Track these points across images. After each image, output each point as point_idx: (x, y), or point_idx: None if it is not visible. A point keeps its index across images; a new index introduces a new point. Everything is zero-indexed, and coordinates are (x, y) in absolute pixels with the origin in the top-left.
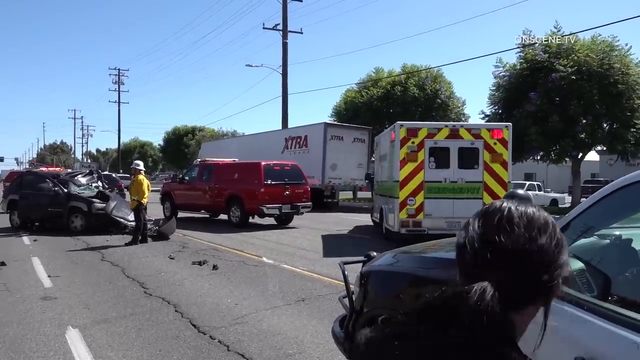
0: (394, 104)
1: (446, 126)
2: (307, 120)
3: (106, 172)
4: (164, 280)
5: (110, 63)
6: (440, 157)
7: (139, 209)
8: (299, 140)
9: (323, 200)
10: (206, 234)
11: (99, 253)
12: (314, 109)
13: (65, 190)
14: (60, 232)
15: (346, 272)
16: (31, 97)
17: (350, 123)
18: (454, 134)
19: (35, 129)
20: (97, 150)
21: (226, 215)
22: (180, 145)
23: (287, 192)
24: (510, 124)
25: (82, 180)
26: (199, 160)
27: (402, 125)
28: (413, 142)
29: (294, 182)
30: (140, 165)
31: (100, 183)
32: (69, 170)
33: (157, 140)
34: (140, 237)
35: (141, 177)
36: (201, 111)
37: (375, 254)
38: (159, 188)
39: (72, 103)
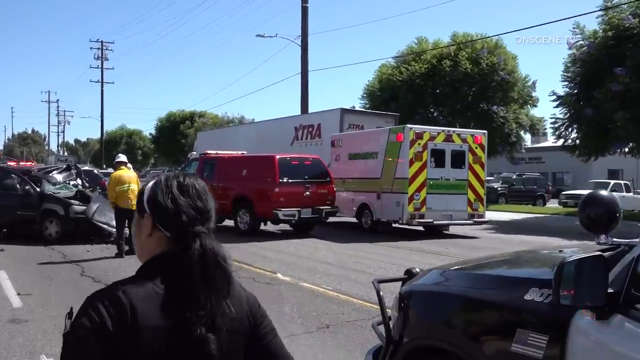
0: (440, 82)
1: (443, 131)
2: (333, 105)
3: (87, 167)
4: None
5: (91, 35)
6: (438, 157)
7: (115, 213)
8: (310, 129)
9: None
10: None
11: (78, 266)
12: (341, 90)
13: (38, 189)
14: (31, 240)
15: (381, 293)
16: None
17: (386, 106)
18: (448, 138)
19: (2, 115)
20: (76, 141)
21: (232, 221)
22: (176, 135)
23: (308, 193)
24: (485, 131)
25: (58, 177)
26: (195, 153)
27: (411, 129)
28: (419, 144)
29: (316, 180)
30: (121, 157)
31: (79, 181)
32: (42, 165)
33: (148, 128)
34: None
35: (117, 172)
36: (202, 93)
37: (418, 270)
38: None
39: (45, 84)
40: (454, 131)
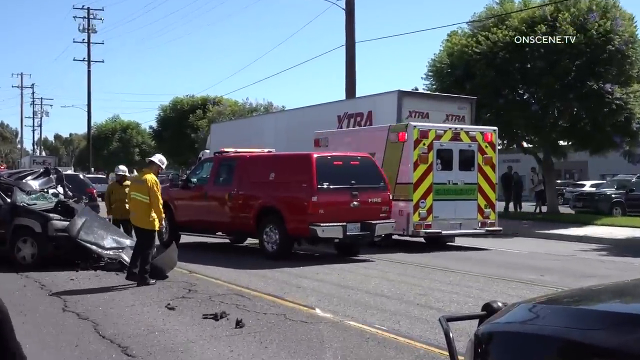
0: (532, 54)
1: (450, 129)
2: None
3: (70, 171)
4: (159, 344)
5: (74, 1)
6: (445, 159)
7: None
8: (358, 119)
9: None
10: (225, 269)
11: (60, 299)
12: (398, 68)
13: (8, 200)
14: (0, 265)
15: (452, 334)
16: None
17: (459, 87)
18: (455, 137)
19: None
20: (57, 138)
21: (256, 240)
22: (183, 128)
23: (356, 203)
24: (496, 128)
25: (34, 184)
26: (208, 151)
27: (415, 127)
28: (424, 144)
29: (367, 185)
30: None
31: (61, 189)
32: (14, 169)
33: (148, 120)
34: (142, 272)
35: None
36: (216, 74)
37: (500, 304)
38: None
39: (17, 64)
40: (461, 128)
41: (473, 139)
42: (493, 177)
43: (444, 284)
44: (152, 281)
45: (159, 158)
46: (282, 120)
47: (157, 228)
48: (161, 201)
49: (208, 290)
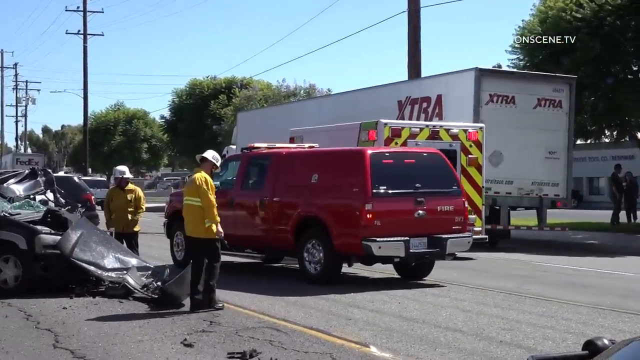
0: None
1: (427, 126)
2: (463, 65)
3: (63, 173)
4: None
5: None
6: None
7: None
8: (425, 104)
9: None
10: (255, 296)
11: (50, 333)
12: (475, 41)
13: None
14: None
15: None
16: None
17: (554, 63)
18: (434, 135)
19: None
20: (45, 131)
21: (295, 259)
22: (203, 117)
23: (421, 212)
24: (482, 125)
25: (17, 189)
26: (235, 147)
27: (386, 124)
28: (396, 143)
29: (436, 190)
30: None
31: (50, 195)
32: None
33: (159, 108)
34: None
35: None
36: (243, 50)
37: (606, 341)
38: (163, 204)
39: None
40: (441, 126)
41: (455, 137)
42: (479, 180)
43: (536, 315)
44: (220, 304)
45: (212, 155)
46: (328, 107)
47: (215, 235)
48: (214, 203)
49: (234, 322)
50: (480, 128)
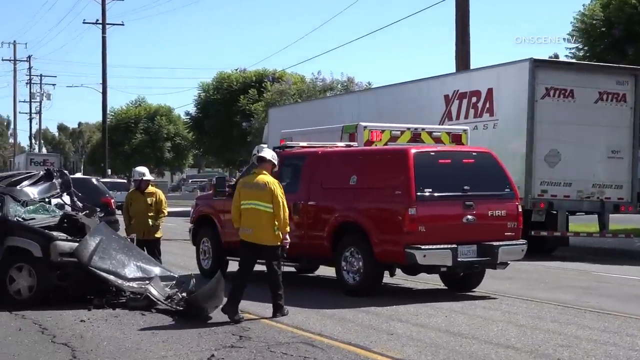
0: None
1: (408, 129)
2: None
3: (79, 175)
4: None
5: None
6: None
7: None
8: (474, 99)
9: (529, 230)
10: (288, 308)
11: (66, 348)
12: (528, 27)
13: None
14: None
15: None
16: None
17: (618, 52)
18: (415, 138)
19: None
20: (61, 129)
21: (332, 268)
22: (231, 114)
23: (470, 217)
24: (467, 128)
25: (31, 191)
26: (266, 145)
27: (365, 127)
28: (376, 146)
29: (486, 192)
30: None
31: (68, 198)
32: (5, 171)
33: (183, 103)
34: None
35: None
36: (275, 40)
37: None
38: (188, 208)
39: (7, 31)
40: (422, 129)
41: (437, 140)
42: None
43: (597, 331)
44: (286, 310)
45: (271, 154)
46: (368, 102)
47: (280, 242)
48: (287, 209)
49: (266, 336)
50: (464, 131)
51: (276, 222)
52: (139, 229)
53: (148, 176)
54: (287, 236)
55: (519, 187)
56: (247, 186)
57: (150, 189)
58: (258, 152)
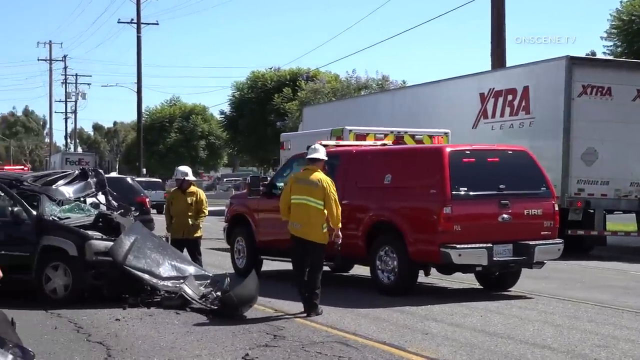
0: None
1: (391, 132)
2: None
3: (114, 174)
4: None
5: None
6: None
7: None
8: (510, 97)
9: (565, 230)
10: (323, 307)
11: (101, 347)
12: (566, 24)
13: (34, 212)
14: (23, 300)
15: None
16: None
17: None
18: (398, 141)
19: None
20: (96, 128)
21: (366, 267)
22: (266, 113)
23: (506, 216)
24: (448, 131)
25: (67, 190)
26: (316, 145)
27: (350, 131)
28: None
29: (522, 191)
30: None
31: (103, 197)
32: (41, 170)
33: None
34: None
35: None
36: (309, 39)
37: None
38: (223, 207)
39: (43, 31)
40: (405, 132)
41: (420, 143)
42: None
43: (634, 331)
44: (321, 310)
45: (325, 152)
46: (402, 101)
47: (326, 241)
48: (339, 207)
49: (300, 336)
50: (445, 133)
51: (327, 220)
52: (179, 229)
53: (190, 176)
54: (339, 232)
55: (555, 185)
56: (300, 181)
57: (192, 188)
58: (311, 151)
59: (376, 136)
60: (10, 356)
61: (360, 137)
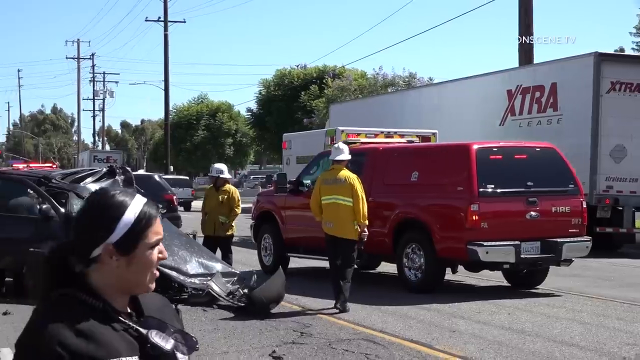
0: None
1: (381, 132)
2: (578, 50)
3: (142, 171)
4: None
5: None
6: None
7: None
8: (538, 94)
9: (594, 227)
10: (349, 304)
11: None
12: (595, 20)
13: (62, 209)
14: None
15: None
16: None
17: None
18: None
19: (4, 83)
20: (124, 126)
21: (393, 265)
22: (292, 111)
23: (534, 213)
24: (436, 131)
25: (94, 188)
26: (338, 145)
27: (343, 131)
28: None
29: (550, 188)
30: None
31: None
32: (69, 168)
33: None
34: None
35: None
36: (335, 36)
37: None
38: (250, 205)
39: (71, 29)
40: (395, 132)
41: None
42: None
43: None
44: (348, 307)
45: (348, 151)
46: (429, 98)
47: (357, 237)
48: (366, 203)
49: (327, 333)
50: (433, 134)
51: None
52: (210, 226)
53: (226, 174)
54: (366, 229)
55: (583, 182)
56: (327, 182)
57: (226, 186)
58: (335, 152)
59: (367, 135)
60: (172, 341)
61: (352, 136)
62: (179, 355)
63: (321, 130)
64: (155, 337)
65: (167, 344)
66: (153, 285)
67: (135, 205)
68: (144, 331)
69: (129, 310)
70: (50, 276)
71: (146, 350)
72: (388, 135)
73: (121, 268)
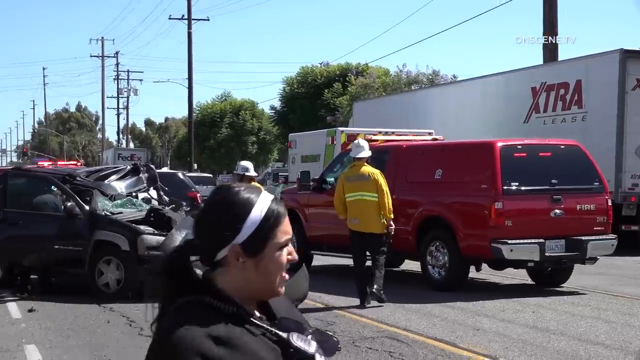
0: None
1: (380, 132)
2: (603, 47)
3: (166, 169)
4: None
5: None
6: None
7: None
8: (562, 91)
9: (619, 225)
10: (373, 302)
11: None
12: (621, 16)
13: (87, 207)
14: (77, 295)
15: None
16: (16, 21)
17: None
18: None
19: (28, 81)
20: (148, 124)
21: (417, 263)
22: (316, 108)
23: (558, 211)
24: (432, 130)
25: (119, 186)
26: (358, 142)
27: (342, 131)
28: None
29: (574, 186)
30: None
31: (154, 192)
32: (94, 166)
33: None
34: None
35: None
36: (359, 34)
37: None
38: None
39: (96, 27)
40: (393, 132)
41: None
42: None
43: None
44: (369, 301)
45: (368, 147)
46: (453, 95)
47: (384, 230)
48: (390, 197)
49: (350, 331)
50: (429, 133)
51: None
52: None
53: (251, 172)
54: (392, 222)
55: (608, 180)
56: (349, 179)
57: (252, 184)
58: (355, 149)
59: (365, 136)
60: (315, 344)
61: (351, 136)
62: (317, 357)
63: (323, 131)
64: (297, 341)
65: (309, 347)
66: (283, 290)
67: (262, 202)
68: (284, 335)
69: (258, 314)
70: (171, 283)
71: (289, 355)
72: (386, 134)
73: (249, 271)
